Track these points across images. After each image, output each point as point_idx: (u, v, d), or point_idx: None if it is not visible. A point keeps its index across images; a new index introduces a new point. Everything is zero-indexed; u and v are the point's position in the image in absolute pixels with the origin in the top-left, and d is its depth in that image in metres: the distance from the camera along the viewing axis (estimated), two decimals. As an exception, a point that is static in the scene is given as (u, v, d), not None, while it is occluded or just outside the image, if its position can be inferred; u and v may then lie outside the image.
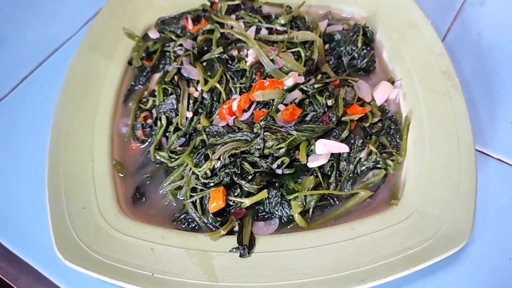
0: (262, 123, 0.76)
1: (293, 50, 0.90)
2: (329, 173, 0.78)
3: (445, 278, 0.71)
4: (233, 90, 0.88)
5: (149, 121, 0.90)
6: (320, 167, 0.78)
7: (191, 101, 0.88)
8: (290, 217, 0.76)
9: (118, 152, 0.87)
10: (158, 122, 0.88)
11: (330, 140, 0.77)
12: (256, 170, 0.75)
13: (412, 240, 0.68)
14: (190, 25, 1.01)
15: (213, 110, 0.88)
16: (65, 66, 0.94)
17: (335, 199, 0.78)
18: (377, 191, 0.79)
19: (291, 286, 0.66)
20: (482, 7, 1.10)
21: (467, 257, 0.73)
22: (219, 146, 0.76)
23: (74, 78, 0.93)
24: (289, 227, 0.76)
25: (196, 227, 0.76)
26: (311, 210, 0.76)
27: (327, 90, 0.82)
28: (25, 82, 1.05)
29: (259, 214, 0.77)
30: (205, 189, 0.75)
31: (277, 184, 0.77)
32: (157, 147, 0.87)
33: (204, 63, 0.93)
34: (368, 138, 0.83)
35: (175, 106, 0.87)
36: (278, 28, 0.96)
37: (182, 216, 0.77)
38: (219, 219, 0.74)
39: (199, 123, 0.86)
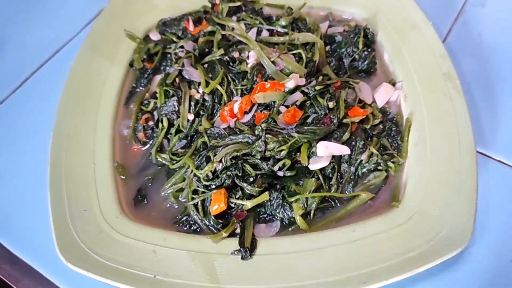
0: (263, 125, 0.76)
1: (294, 51, 0.90)
2: (330, 175, 0.79)
3: (446, 280, 0.71)
4: (234, 92, 0.88)
5: (151, 123, 0.90)
6: (322, 169, 0.78)
7: (192, 103, 0.88)
8: (292, 219, 0.76)
9: (120, 154, 0.87)
10: (160, 124, 0.88)
11: (331, 142, 0.77)
12: (258, 172, 0.75)
13: (413, 242, 0.69)
14: (191, 27, 1.01)
15: (214, 112, 0.88)
16: (66, 68, 0.94)
17: (336, 201, 0.78)
18: (378, 193, 0.79)
19: (293, 288, 0.66)
20: (483, 8, 1.10)
21: (468, 258, 0.73)
22: (220, 148, 0.76)
23: (75, 80, 0.93)
24: (290, 229, 0.76)
25: (198, 229, 0.76)
26: (312, 212, 0.76)
27: (328, 92, 0.82)
28: (26, 84, 1.05)
29: (261, 216, 0.78)
30: (206, 191, 0.75)
31: (278, 186, 0.77)
32: (158, 149, 0.87)
33: (205, 65, 0.93)
34: (369, 140, 0.83)
35: (177, 108, 0.87)
36: (279, 29, 0.96)
37: (184, 218, 0.78)
38: (220, 221, 0.74)
39: (200, 125, 0.86)
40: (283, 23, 0.96)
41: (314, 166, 0.76)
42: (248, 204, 0.74)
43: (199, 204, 0.76)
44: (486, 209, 0.77)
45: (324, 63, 0.93)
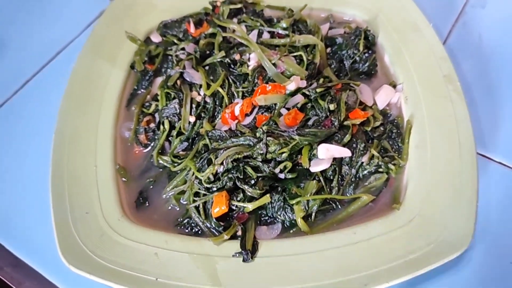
0: (264, 127, 0.77)
1: (295, 54, 0.90)
2: (331, 178, 0.79)
3: (447, 282, 0.72)
4: (236, 94, 0.88)
5: (152, 125, 0.90)
6: (323, 172, 0.78)
7: (193, 106, 0.88)
8: (293, 221, 0.76)
9: (121, 157, 0.88)
10: (161, 127, 0.89)
11: (332, 144, 0.77)
12: (259, 174, 0.75)
13: (414, 244, 0.69)
14: (192, 29, 1.01)
15: (215, 114, 0.88)
16: (67, 70, 0.94)
17: (338, 203, 0.78)
18: (379, 195, 0.79)
19: (294, 291, 0.66)
20: (483, 9, 1.10)
21: (469, 261, 0.73)
22: (222, 151, 0.76)
23: (76, 82, 0.93)
24: (291, 231, 0.76)
25: (199, 232, 0.77)
26: (313, 214, 0.76)
27: (329, 94, 0.82)
28: (27, 86, 1.06)
29: (262, 219, 0.78)
30: (208, 193, 0.76)
31: (279, 189, 0.78)
32: (160, 151, 0.87)
33: (207, 67, 0.93)
34: (370, 142, 0.83)
35: (178, 111, 0.88)
36: (280, 31, 0.96)
37: (185, 220, 0.78)
38: (222, 223, 0.75)
39: (201, 127, 0.86)
40: (284, 25, 0.96)
41: (315, 168, 0.77)
42: (250, 206, 0.74)
43: (201, 206, 0.76)
44: (487, 211, 0.77)
45: (325, 65, 0.93)
